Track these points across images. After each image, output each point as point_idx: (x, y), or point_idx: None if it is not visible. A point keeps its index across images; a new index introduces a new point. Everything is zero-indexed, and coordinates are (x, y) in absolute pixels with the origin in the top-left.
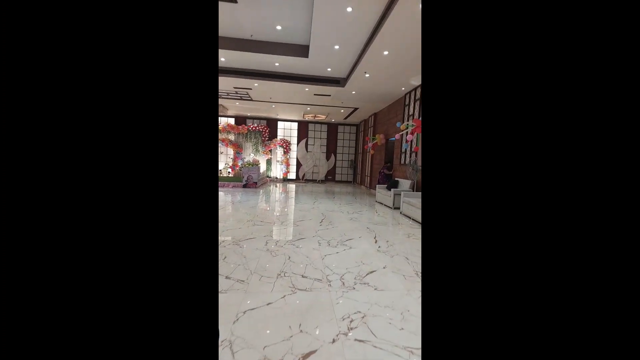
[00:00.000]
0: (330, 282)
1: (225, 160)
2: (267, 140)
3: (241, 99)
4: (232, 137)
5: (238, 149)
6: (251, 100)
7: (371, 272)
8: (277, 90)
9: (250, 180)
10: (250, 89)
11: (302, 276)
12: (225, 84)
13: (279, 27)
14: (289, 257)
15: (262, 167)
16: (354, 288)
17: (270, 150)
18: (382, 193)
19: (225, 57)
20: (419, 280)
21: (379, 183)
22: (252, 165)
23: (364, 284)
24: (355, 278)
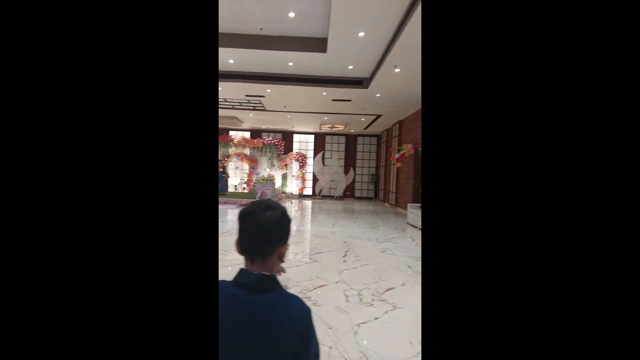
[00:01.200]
0: None
1: (240, 176)
2: (283, 154)
3: (255, 109)
4: (247, 151)
5: (253, 163)
6: (265, 110)
7: None
8: (292, 97)
9: (264, 197)
10: (263, 96)
11: None
12: (236, 91)
13: (292, 15)
14: None
15: (278, 182)
16: None
17: (286, 165)
18: (418, 215)
19: (234, 58)
20: None
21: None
22: (267, 181)
23: None
24: None
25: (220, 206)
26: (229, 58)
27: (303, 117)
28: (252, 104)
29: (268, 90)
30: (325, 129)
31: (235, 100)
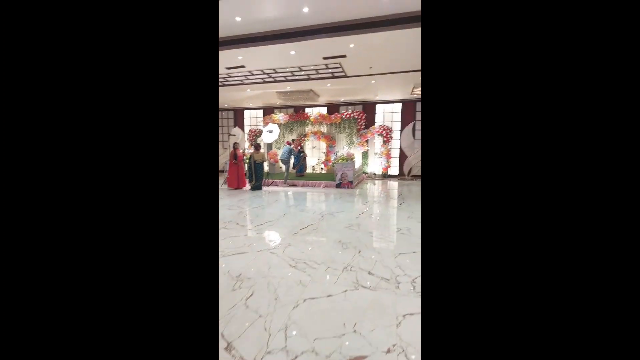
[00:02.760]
0: None
1: (318, 156)
2: (363, 129)
3: (333, 77)
4: (324, 128)
5: (331, 141)
6: (345, 76)
7: None
8: (382, 51)
9: (344, 179)
10: (345, 55)
11: None
12: (312, 53)
13: None
14: None
15: (358, 161)
16: None
17: (367, 141)
18: None
19: (308, 4)
20: None
21: None
22: (347, 160)
23: None
24: None
25: (299, 189)
26: (302, 6)
27: (392, 79)
28: (330, 70)
29: (351, 46)
30: (418, 93)
31: (311, 67)
